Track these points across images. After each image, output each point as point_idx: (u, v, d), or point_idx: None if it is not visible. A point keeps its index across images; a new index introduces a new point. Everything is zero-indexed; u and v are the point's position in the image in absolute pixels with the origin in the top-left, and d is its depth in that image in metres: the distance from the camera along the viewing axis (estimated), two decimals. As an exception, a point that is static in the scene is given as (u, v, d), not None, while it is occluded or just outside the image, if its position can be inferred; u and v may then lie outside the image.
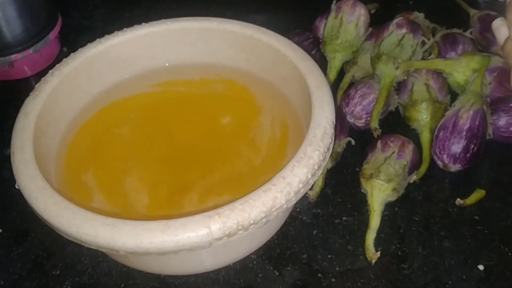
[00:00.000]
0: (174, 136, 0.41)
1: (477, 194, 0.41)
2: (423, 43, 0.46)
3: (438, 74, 0.45)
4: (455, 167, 0.41)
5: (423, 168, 0.42)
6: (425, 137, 0.44)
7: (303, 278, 0.37)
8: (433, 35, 0.50)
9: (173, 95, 0.43)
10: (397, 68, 0.44)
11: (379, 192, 0.39)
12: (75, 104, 0.41)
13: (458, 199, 0.40)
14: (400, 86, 0.46)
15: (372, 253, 0.37)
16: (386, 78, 0.45)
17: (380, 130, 0.44)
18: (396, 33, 0.45)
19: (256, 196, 0.30)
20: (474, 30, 0.51)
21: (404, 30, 0.45)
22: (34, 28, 0.53)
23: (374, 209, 0.38)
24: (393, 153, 0.40)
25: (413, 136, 0.44)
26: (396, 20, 0.46)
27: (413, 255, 0.38)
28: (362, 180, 0.40)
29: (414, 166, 0.41)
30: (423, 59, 0.46)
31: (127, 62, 0.43)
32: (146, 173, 0.38)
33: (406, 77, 0.45)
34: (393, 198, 0.40)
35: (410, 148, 0.41)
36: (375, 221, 0.38)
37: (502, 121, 0.43)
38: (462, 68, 0.44)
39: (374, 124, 0.43)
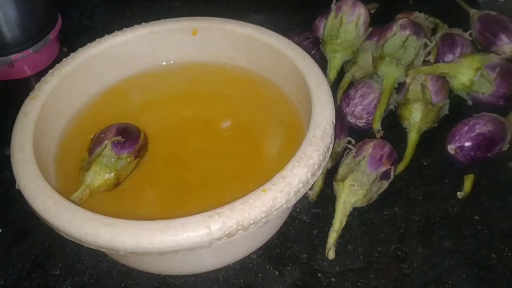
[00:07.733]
0: (175, 135, 0.41)
1: (469, 180, 0.41)
2: (425, 45, 0.46)
3: (438, 77, 0.45)
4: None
5: (402, 165, 0.42)
6: (412, 137, 0.44)
7: (303, 278, 0.37)
8: (435, 32, 0.50)
9: (173, 95, 0.43)
10: (406, 76, 0.44)
11: (344, 195, 0.39)
12: (75, 104, 0.41)
13: (459, 193, 0.41)
14: (399, 85, 0.46)
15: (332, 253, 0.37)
16: (389, 79, 0.45)
17: (382, 131, 0.44)
18: (400, 34, 0.45)
19: (256, 196, 0.30)
20: (474, 30, 0.51)
21: (408, 32, 0.45)
22: (34, 28, 0.53)
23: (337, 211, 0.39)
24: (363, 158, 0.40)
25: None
26: (400, 22, 0.46)
27: (413, 255, 0.38)
28: (334, 182, 0.40)
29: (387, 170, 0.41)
30: (424, 61, 0.46)
31: (127, 62, 0.43)
32: (146, 172, 0.38)
33: (407, 77, 0.45)
34: (362, 203, 0.39)
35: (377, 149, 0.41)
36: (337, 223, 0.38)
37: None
38: (465, 69, 0.44)
39: (377, 125, 0.43)
